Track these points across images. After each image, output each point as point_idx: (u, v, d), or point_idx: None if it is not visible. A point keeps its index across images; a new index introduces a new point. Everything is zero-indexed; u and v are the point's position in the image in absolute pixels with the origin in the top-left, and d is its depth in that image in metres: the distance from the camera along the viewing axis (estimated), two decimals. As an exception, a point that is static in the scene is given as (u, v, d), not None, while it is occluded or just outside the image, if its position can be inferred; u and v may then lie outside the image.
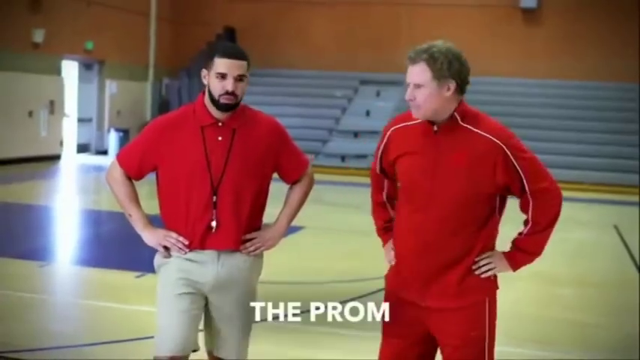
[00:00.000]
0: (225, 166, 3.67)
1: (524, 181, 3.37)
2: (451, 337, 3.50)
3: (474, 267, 3.43)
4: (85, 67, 22.87)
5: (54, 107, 20.65)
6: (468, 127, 3.36)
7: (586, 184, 19.24)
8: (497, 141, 3.32)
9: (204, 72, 3.72)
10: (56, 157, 20.79)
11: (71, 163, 20.67)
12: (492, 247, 3.50)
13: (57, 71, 21.03)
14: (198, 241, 3.69)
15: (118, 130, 22.76)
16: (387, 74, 22.75)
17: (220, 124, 3.69)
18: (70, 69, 22.12)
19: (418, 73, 3.31)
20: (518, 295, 8.15)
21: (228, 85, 3.61)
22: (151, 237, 3.79)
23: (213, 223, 3.68)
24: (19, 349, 5.69)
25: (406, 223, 3.49)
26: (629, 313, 7.46)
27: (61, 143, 21.33)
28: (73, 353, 5.76)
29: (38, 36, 19.84)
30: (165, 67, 25.58)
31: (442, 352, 3.57)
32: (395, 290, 3.56)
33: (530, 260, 3.56)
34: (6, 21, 18.75)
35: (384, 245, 3.71)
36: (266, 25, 24.75)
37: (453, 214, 3.40)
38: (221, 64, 3.64)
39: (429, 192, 3.39)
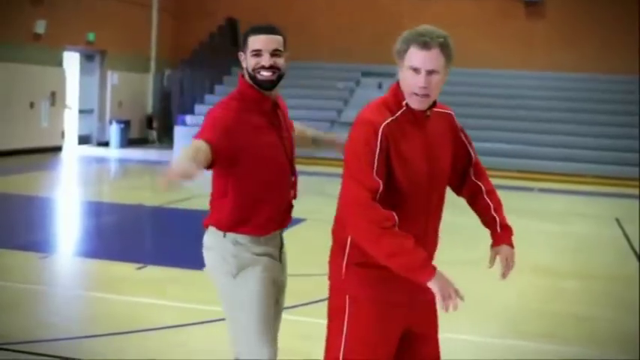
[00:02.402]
0: (291, 145, 3.77)
1: (470, 149, 3.55)
2: (432, 327, 3.52)
3: (502, 276, 3.47)
4: (87, 58, 22.83)
5: (55, 98, 20.61)
6: (435, 108, 3.39)
7: (588, 176, 19.19)
8: (451, 113, 3.51)
9: (241, 55, 3.68)
10: (57, 149, 20.77)
11: (72, 155, 20.65)
12: None
13: (58, 62, 20.98)
14: (277, 222, 3.68)
15: (119, 121, 22.74)
16: (389, 66, 22.62)
17: (272, 102, 3.69)
18: (71, 60, 22.08)
19: (434, 59, 3.17)
20: (521, 289, 8.12)
21: (264, 60, 3.58)
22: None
23: (294, 202, 3.79)
24: (20, 341, 5.67)
25: (407, 222, 3.23)
26: (633, 307, 7.43)
27: (63, 135, 21.30)
28: (74, 345, 5.74)
29: (40, 27, 19.80)
30: (166, 58, 25.54)
31: (423, 347, 3.49)
32: (382, 296, 3.33)
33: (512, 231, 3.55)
34: (8, 12, 18.71)
35: (433, 275, 3.14)
36: (268, 16, 24.61)
37: (443, 195, 3.42)
38: (255, 41, 3.62)
39: (430, 177, 3.30)
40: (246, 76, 3.65)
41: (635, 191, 17.12)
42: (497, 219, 3.53)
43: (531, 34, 23.74)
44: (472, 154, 3.58)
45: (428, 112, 3.32)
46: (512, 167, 19.25)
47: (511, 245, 3.49)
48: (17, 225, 10.74)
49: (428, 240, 3.37)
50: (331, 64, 24.48)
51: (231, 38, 25.15)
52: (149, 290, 7.34)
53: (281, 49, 3.63)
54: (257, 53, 3.59)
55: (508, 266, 3.45)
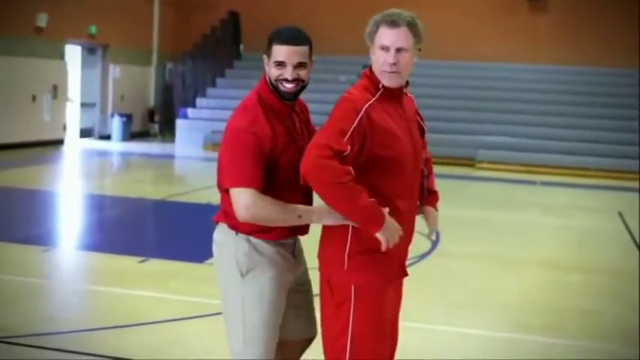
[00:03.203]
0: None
1: (424, 126, 3.73)
2: (400, 302, 3.65)
3: (432, 237, 3.80)
4: (89, 51, 22.79)
5: (57, 92, 20.58)
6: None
7: (591, 169, 19.12)
8: (411, 97, 3.63)
9: (265, 59, 3.53)
10: (59, 142, 20.74)
11: (74, 148, 20.63)
12: None
13: (60, 56, 20.94)
14: (294, 231, 3.59)
15: (121, 114, 22.71)
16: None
17: (290, 109, 3.59)
18: (73, 53, 22.04)
19: (403, 37, 3.31)
20: (525, 283, 8.12)
21: (287, 73, 3.45)
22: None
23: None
24: (22, 335, 5.66)
25: (397, 200, 3.38)
26: (637, 301, 7.41)
27: (65, 128, 21.27)
28: (76, 338, 5.72)
29: (42, 20, 19.76)
30: (168, 51, 25.50)
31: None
32: (387, 277, 3.44)
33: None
34: (10, 5, 18.67)
35: (383, 218, 3.25)
36: (270, 9, 24.63)
37: (422, 170, 3.63)
38: (279, 51, 3.46)
39: (413, 156, 3.44)
40: (268, 81, 3.54)
41: (636, 184, 17.06)
42: (426, 184, 3.76)
43: (534, 29, 23.64)
44: (425, 130, 3.77)
45: (405, 91, 3.49)
46: (515, 160, 19.18)
47: (436, 208, 3.78)
48: (19, 218, 10.73)
49: (414, 212, 3.57)
50: (333, 57, 24.41)
51: (233, 31, 25.11)
52: (151, 284, 7.33)
53: (305, 60, 3.50)
54: (280, 64, 3.47)
55: (433, 225, 3.75)
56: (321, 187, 3.22)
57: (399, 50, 3.30)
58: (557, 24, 23.41)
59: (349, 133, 3.19)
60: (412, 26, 3.32)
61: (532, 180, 17.42)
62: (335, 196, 3.22)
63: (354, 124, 3.21)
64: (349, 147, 3.18)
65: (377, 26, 3.35)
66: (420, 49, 3.39)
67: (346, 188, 3.17)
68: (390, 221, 3.25)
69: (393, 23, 3.31)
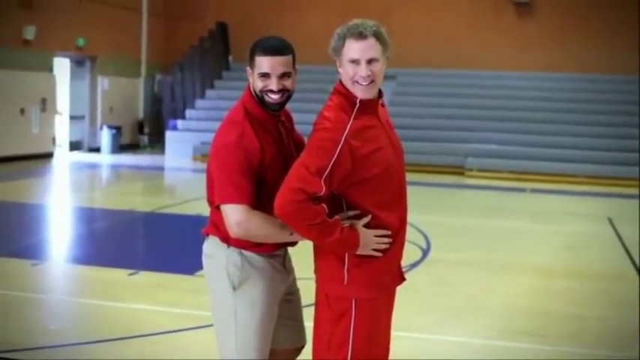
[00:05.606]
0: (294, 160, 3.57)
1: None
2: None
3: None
4: (77, 63, 22.75)
5: (46, 105, 20.53)
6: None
7: (580, 176, 19.13)
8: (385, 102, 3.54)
9: (248, 71, 3.51)
10: (49, 155, 20.68)
11: (64, 161, 20.57)
12: None
13: (48, 68, 20.90)
14: (285, 244, 3.59)
15: (110, 126, 22.66)
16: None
17: (276, 120, 3.58)
18: (61, 66, 21.99)
19: (372, 48, 3.27)
20: (516, 289, 8.12)
21: (272, 84, 3.43)
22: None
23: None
24: (12, 349, 5.64)
25: (388, 211, 3.36)
26: (625, 305, 7.43)
27: (54, 141, 21.21)
28: (67, 352, 5.71)
29: (29, 33, 19.71)
30: (157, 62, 25.49)
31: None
32: (385, 289, 3.46)
33: None
34: (-3, 18, 18.65)
35: (357, 241, 3.29)
36: (258, 19, 24.66)
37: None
38: (262, 62, 3.43)
39: (398, 162, 3.42)
40: (253, 93, 3.51)
41: (635, 191, 17.01)
42: None
43: (523, 34, 23.63)
44: None
45: (381, 101, 3.44)
46: (504, 168, 19.19)
47: None
48: (9, 232, 10.68)
49: (405, 220, 3.49)
50: (322, 67, 24.41)
51: (221, 42, 25.11)
52: (142, 296, 7.31)
53: (290, 70, 3.49)
54: (264, 75, 3.43)
55: None
56: (296, 228, 3.28)
57: (370, 61, 3.27)
58: (547, 29, 23.38)
59: (327, 170, 3.17)
60: (379, 35, 3.29)
61: (522, 187, 17.45)
62: (309, 235, 3.28)
63: (334, 158, 3.17)
64: (324, 187, 3.18)
65: (343, 40, 3.32)
66: (387, 57, 3.36)
67: (319, 227, 3.22)
68: (366, 238, 3.28)
69: (360, 35, 3.27)
